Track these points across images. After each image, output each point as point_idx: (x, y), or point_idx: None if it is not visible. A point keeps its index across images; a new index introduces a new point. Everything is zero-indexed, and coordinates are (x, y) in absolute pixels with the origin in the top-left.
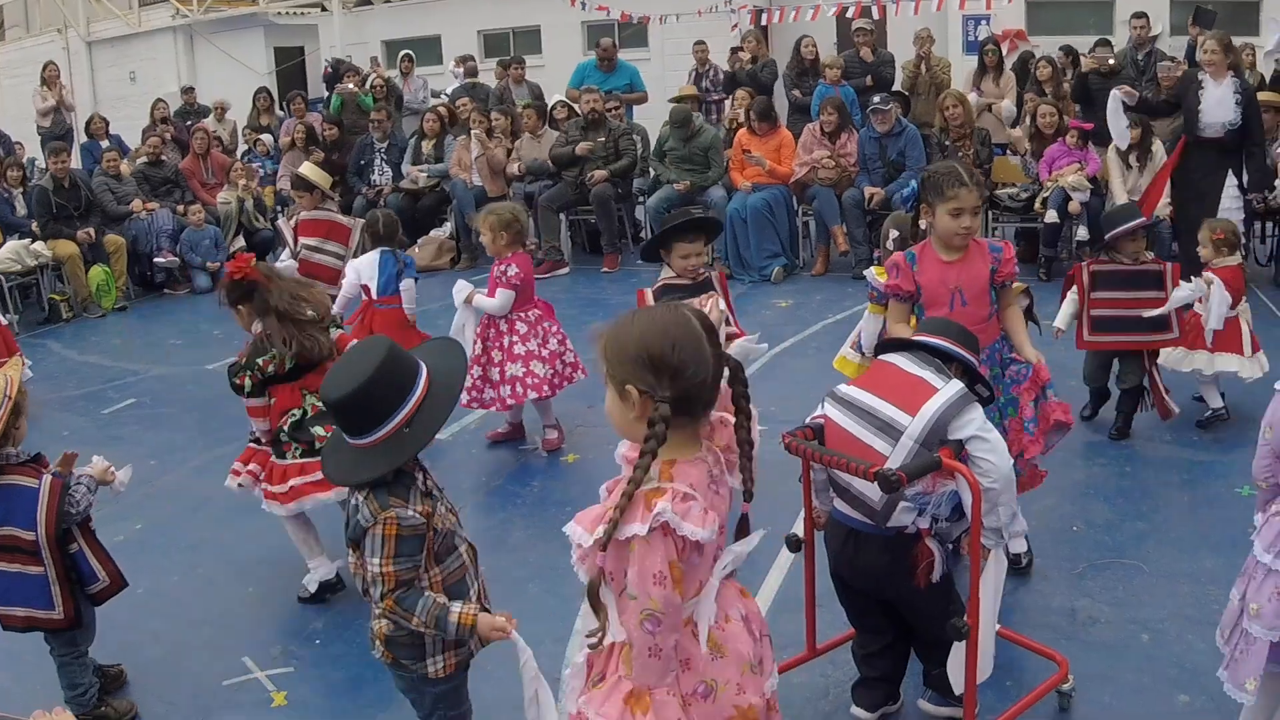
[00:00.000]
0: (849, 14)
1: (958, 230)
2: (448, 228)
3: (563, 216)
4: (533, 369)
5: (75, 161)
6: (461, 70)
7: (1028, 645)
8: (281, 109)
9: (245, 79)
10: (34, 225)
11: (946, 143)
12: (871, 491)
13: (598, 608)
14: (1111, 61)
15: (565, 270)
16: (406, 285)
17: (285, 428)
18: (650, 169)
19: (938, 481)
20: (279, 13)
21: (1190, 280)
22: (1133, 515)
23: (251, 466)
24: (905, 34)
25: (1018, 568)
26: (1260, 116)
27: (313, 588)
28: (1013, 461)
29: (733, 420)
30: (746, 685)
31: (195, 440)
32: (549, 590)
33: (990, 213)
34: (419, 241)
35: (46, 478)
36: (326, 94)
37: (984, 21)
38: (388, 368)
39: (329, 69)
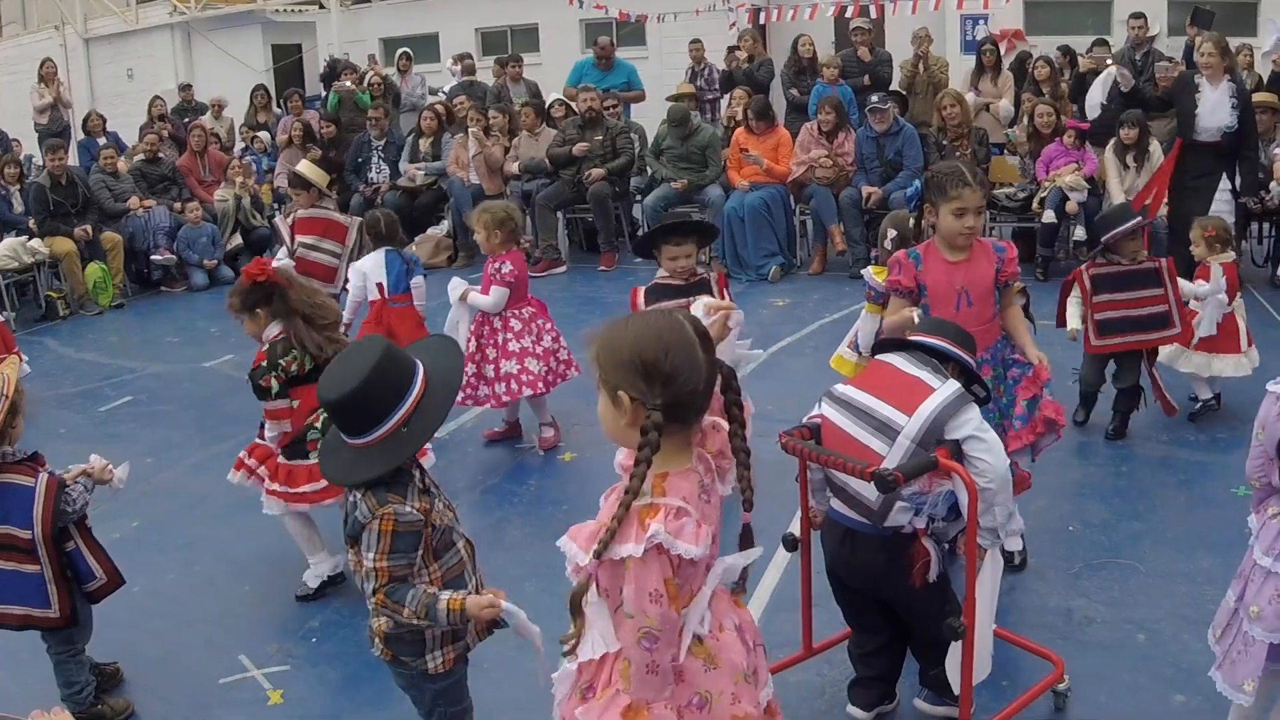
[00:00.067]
0: (847, 13)
1: (961, 230)
2: (445, 226)
3: (560, 215)
4: (527, 366)
5: (72, 159)
6: (459, 68)
7: (1023, 645)
8: (279, 106)
9: (243, 76)
10: (31, 222)
11: (944, 142)
12: (868, 491)
13: (576, 613)
14: (1109, 62)
15: (562, 269)
16: (417, 282)
17: (318, 424)
18: (648, 167)
19: (934, 481)
20: (276, 10)
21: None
22: (1129, 515)
23: (260, 470)
24: (903, 33)
25: (1011, 564)
26: (1255, 121)
27: (313, 584)
28: (1009, 462)
29: (726, 426)
30: (741, 695)
31: (192, 438)
32: (546, 589)
33: (987, 213)
34: (416, 239)
35: (43, 476)
36: (324, 92)
37: (982, 21)
38: (384, 368)
39: (326, 69)
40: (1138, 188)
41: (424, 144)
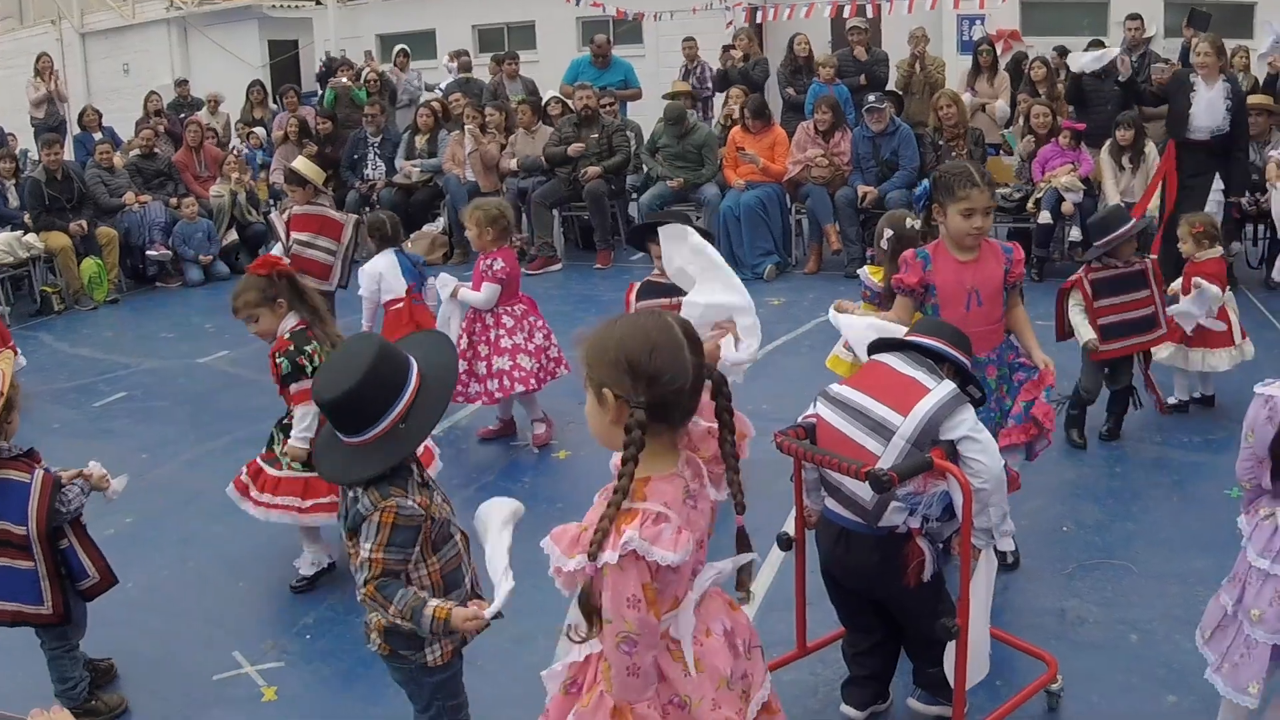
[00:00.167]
0: (844, 12)
1: (969, 230)
2: (440, 223)
3: (556, 212)
4: (519, 362)
5: (68, 153)
6: (455, 65)
7: (1017, 645)
8: (275, 102)
9: (239, 72)
10: (26, 217)
11: (940, 142)
12: (863, 491)
13: (590, 613)
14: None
15: (558, 266)
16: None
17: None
18: (643, 165)
19: (929, 481)
20: (273, 6)
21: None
22: (1122, 516)
23: (264, 496)
24: (899, 33)
25: (1003, 564)
26: (1246, 122)
27: (307, 571)
28: (1004, 463)
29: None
30: (722, 701)
31: (187, 434)
32: (539, 586)
33: None
34: (411, 236)
35: (39, 472)
36: (320, 88)
37: (978, 21)
38: (379, 366)
39: (323, 66)
40: (1134, 188)
41: (420, 141)
